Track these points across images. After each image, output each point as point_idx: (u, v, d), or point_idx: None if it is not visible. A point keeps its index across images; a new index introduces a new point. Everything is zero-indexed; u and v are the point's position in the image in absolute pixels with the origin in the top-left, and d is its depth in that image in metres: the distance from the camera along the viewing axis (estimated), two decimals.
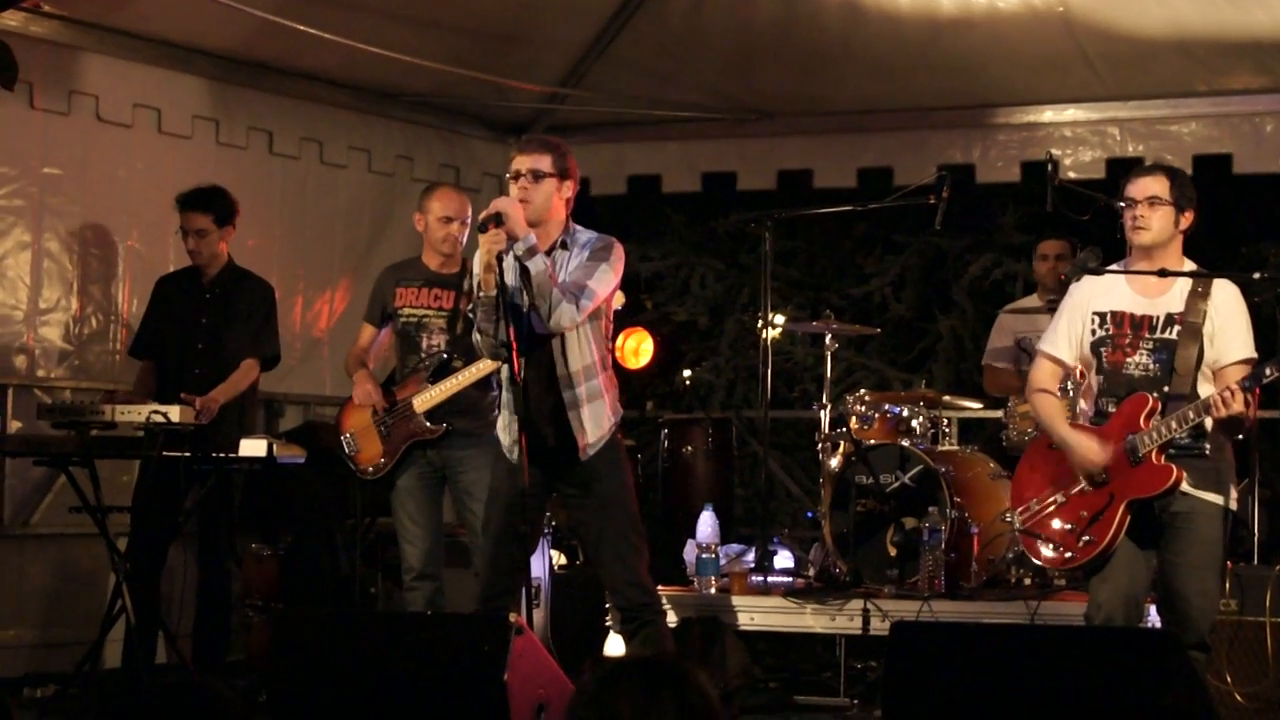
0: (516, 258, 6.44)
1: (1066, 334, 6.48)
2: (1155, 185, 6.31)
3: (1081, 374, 6.66)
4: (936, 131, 10.38)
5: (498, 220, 6.38)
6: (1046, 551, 6.48)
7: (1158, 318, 6.32)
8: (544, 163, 6.56)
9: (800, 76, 10.12)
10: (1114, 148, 9.97)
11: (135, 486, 8.18)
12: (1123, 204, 6.36)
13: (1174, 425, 6.18)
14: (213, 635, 8.24)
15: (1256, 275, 6.71)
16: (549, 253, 6.53)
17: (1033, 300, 9.42)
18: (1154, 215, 6.30)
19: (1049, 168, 8.67)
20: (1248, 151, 9.71)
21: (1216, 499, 6.29)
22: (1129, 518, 6.26)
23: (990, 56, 9.65)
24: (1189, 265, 6.42)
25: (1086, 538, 6.32)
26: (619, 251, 6.65)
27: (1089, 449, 6.32)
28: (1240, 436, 6.41)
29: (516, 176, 6.56)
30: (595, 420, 6.61)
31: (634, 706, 3.10)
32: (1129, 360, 6.34)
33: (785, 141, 10.64)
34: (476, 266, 6.54)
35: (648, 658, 3.20)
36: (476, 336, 6.57)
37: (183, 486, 7.93)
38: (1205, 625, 6.33)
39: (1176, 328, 6.29)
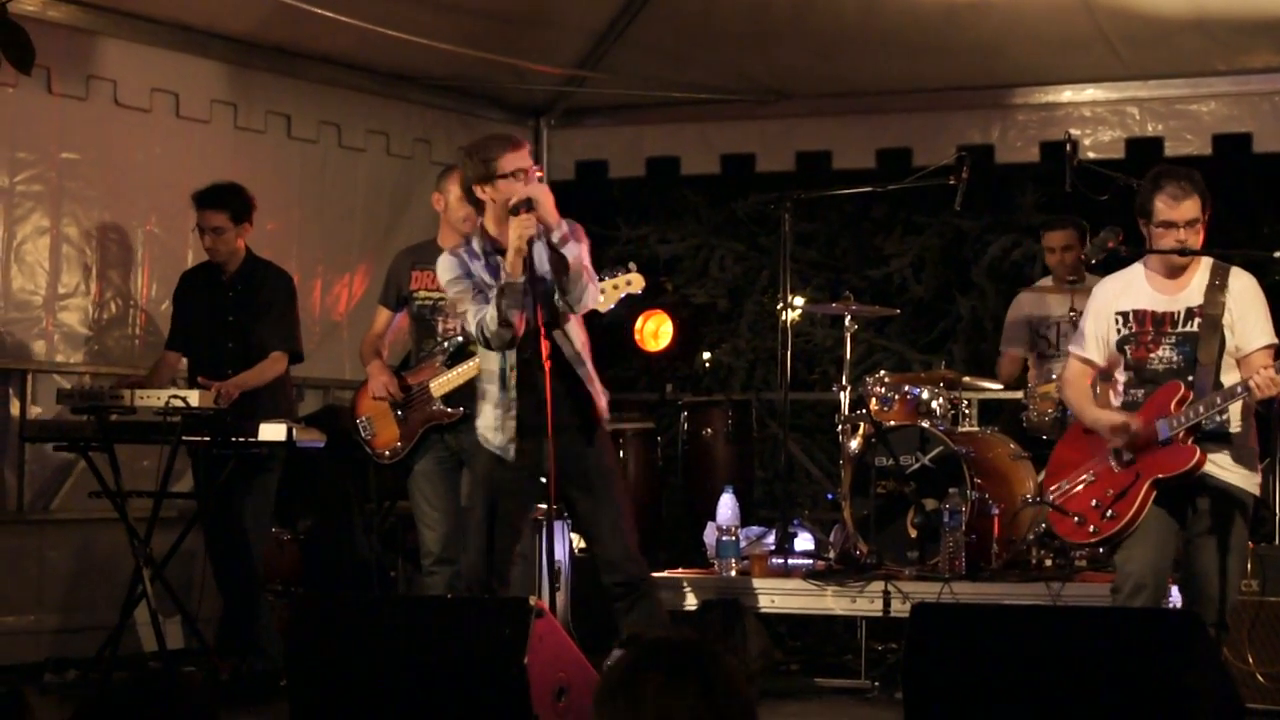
0: (551, 245, 6.47)
1: (1093, 335, 6.65)
2: (1193, 208, 6.40)
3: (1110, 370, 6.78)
4: (956, 112, 10.35)
5: (529, 205, 6.40)
6: (1071, 525, 6.63)
7: (1178, 313, 6.48)
8: (529, 155, 6.73)
9: (819, 57, 10.09)
10: (1133, 127, 9.93)
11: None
12: (1157, 225, 6.41)
13: (1201, 409, 6.33)
14: (239, 620, 8.22)
15: (1277, 254, 6.75)
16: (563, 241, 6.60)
17: (1048, 281, 9.43)
18: (1194, 236, 6.42)
19: (1068, 148, 8.65)
20: (1268, 130, 9.67)
21: (1244, 483, 6.46)
22: (1153, 495, 6.41)
23: (1009, 36, 9.62)
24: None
25: (1110, 513, 6.48)
26: (583, 232, 6.79)
27: (1115, 418, 6.47)
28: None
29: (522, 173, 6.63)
30: (599, 391, 6.80)
31: (659, 689, 3.08)
32: (1153, 355, 6.51)
33: (804, 123, 10.62)
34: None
35: (675, 640, 3.17)
36: (492, 326, 6.53)
37: (203, 471, 7.99)
38: (1225, 605, 6.44)
39: (1197, 320, 6.44)
